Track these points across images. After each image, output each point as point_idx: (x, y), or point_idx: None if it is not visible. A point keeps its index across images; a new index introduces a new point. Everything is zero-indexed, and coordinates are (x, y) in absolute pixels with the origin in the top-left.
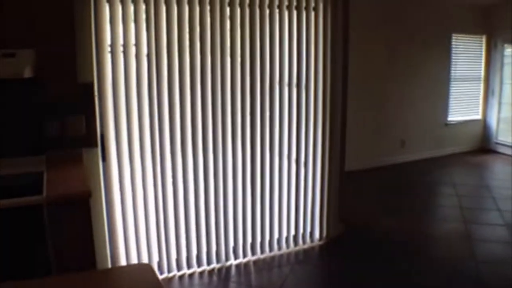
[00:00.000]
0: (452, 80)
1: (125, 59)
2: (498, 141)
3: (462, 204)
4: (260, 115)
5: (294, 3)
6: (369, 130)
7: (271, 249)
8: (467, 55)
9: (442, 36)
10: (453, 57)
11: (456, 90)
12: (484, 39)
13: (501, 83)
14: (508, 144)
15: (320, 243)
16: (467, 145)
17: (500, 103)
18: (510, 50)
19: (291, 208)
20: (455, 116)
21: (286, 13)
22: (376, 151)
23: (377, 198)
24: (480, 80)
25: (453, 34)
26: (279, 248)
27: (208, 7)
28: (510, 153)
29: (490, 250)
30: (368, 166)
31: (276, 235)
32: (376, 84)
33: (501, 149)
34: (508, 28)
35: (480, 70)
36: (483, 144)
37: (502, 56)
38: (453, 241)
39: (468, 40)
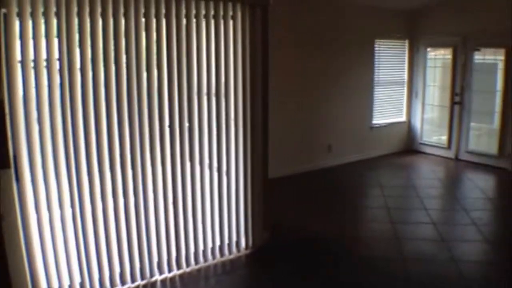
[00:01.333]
0: (376, 84)
1: (37, 75)
2: (423, 142)
3: (389, 205)
4: (179, 126)
5: (212, 12)
6: (296, 136)
7: (196, 261)
8: (390, 59)
9: (366, 41)
10: (377, 62)
11: (381, 94)
12: (407, 43)
13: (424, 85)
14: (432, 144)
15: (247, 252)
16: (393, 147)
17: (423, 105)
18: (432, 53)
19: (215, 219)
20: (380, 119)
21: (203, 23)
22: (304, 157)
23: (306, 202)
24: (404, 83)
25: (376, 40)
26: (205, 260)
27: (122, 19)
28: (434, 153)
29: (418, 248)
30: (296, 171)
31: (201, 247)
32: (302, 90)
33: (426, 149)
34: (430, 33)
35: (404, 73)
36: (408, 145)
37: (425, 59)
38: (381, 241)
39: (391, 44)
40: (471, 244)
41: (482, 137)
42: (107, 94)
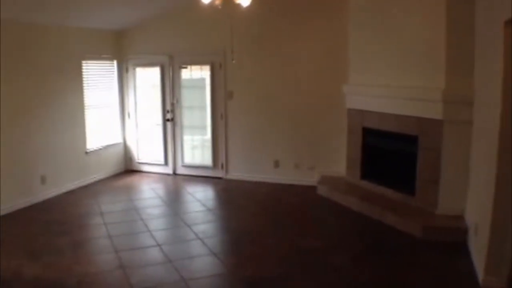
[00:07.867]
0: (87, 107)
1: None
2: (140, 161)
3: (111, 233)
4: None
5: None
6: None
7: None
8: (100, 81)
9: (73, 62)
10: (86, 84)
11: (93, 117)
12: (115, 63)
13: (136, 105)
14: (149, 162)
15: None
16: (111, 169)
17: (137, 125)
18: (142, 73)
19: None
20: (95, 143)
21: None
22: (10, 194)
23: (21, 244)
24: (116, 104)
25: (83, 61)
26: None
27: None
28: (152, 170)
29: (146, 275)
30: (4, 212)
31: None
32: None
33: (144, 168)
34: (137, 52)
35: (116, 94)
36: (126, 165)
37: (135, 79)
38: (107, 274)
39: (99, 65)
40: (199, 259)
41: (197, 150)
42: None
